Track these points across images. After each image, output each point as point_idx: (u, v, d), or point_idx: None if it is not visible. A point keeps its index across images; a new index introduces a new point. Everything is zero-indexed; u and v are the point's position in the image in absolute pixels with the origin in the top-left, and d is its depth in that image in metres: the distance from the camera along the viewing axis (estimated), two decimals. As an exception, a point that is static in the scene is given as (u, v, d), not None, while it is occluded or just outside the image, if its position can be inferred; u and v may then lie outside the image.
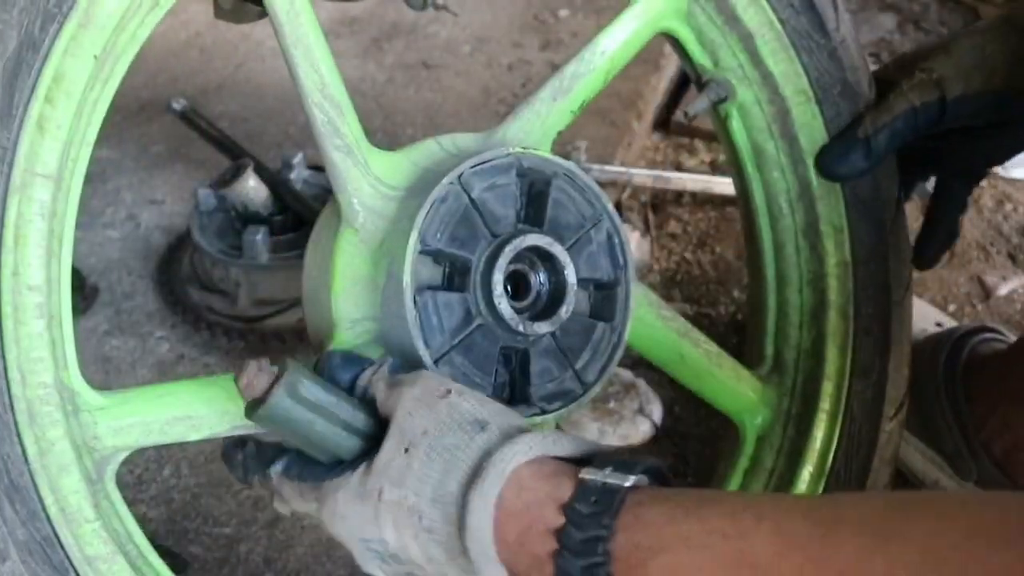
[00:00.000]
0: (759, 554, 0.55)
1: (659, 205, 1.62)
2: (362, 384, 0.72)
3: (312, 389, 0.67)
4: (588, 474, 0.62)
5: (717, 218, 1.59)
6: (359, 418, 0.69)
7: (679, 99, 1.83)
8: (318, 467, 0.70)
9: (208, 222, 1.33)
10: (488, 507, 0.61)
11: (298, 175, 1.36)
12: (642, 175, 1.60)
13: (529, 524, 0.61)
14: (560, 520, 0.60)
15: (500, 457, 0.63)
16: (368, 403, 0.71)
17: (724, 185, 1.57)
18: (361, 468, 0.66)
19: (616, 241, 0.82)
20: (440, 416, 0.65)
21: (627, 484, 0.60)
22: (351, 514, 0.66)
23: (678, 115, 1.78)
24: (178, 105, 1.44)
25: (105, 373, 1.28)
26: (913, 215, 1.57)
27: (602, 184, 1.11)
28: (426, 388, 0.68)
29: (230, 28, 1.86)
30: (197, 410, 0.73)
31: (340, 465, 0.69)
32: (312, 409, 0.67)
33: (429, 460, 0.64)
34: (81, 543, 0.67)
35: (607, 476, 0.61)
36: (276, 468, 0.72)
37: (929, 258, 1.06)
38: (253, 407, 0.67)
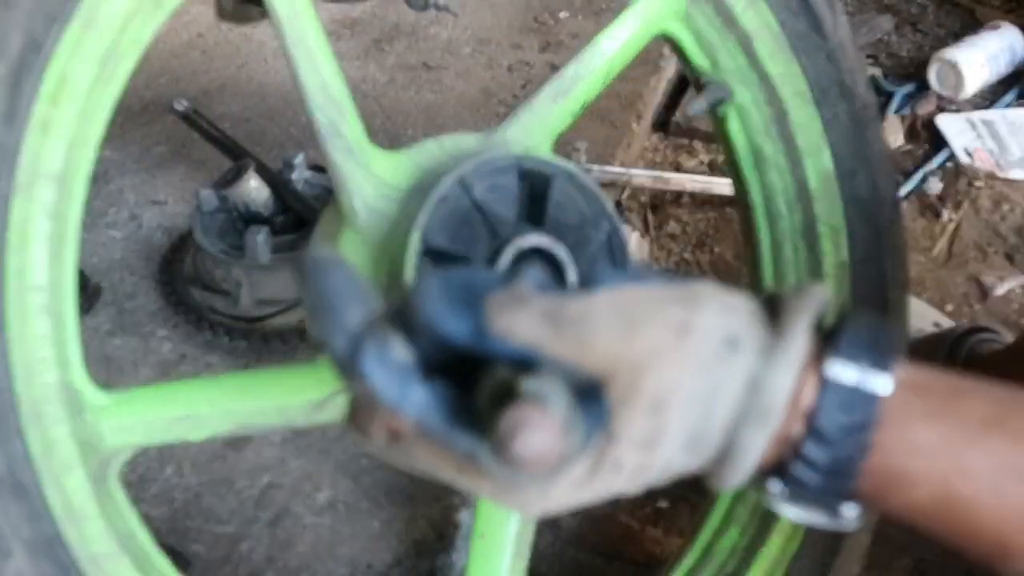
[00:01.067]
0: None
1: (658, 205, 1.62)
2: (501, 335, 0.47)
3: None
4: (834, 369, 0.49)
5: (716, 218, 1.59)
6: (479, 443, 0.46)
7: (678, 100, 1.84)
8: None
9: (210, 222, 1.34)
10: (759, 446, 0.49)
11: (299, 175, 1.37)
12: (641, 176, 1.60)
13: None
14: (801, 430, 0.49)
15: (771, 390, 0.49)
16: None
17: (723, 186, 1.58)
18: (588, 461, 0.49)
19: (616, 241, 0.82)
20: (690, 357, 0.49)
21: (881, 393, 0.49)
22: (564, 500, 0.50)
23: (677, 116, 1.78)
24: (180, 106, 1.44)
25: (107, 372, 1.29)
26: (910, 215, 1.58)
27: (602, 185, 1.11)
28: (645, 313, 0.49)
29: (232, 29, 1.86)
30: (199, 409, 0.73)
31: None
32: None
33: (689, 408, 0.49)
34: (85, 541, 0.67)
35: (859, 373, 0.49)
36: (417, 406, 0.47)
37: None
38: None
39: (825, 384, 0.49)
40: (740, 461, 0.50)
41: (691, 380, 0.49)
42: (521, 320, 0.48)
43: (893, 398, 0.49)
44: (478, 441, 0.46)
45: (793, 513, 0.52)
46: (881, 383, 0.49)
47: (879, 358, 0.50)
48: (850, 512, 0.51)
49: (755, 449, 0.49)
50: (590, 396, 0.48)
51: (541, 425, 0.44)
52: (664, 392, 0.48)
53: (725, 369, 0.49)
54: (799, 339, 0.50)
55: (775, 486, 0.51)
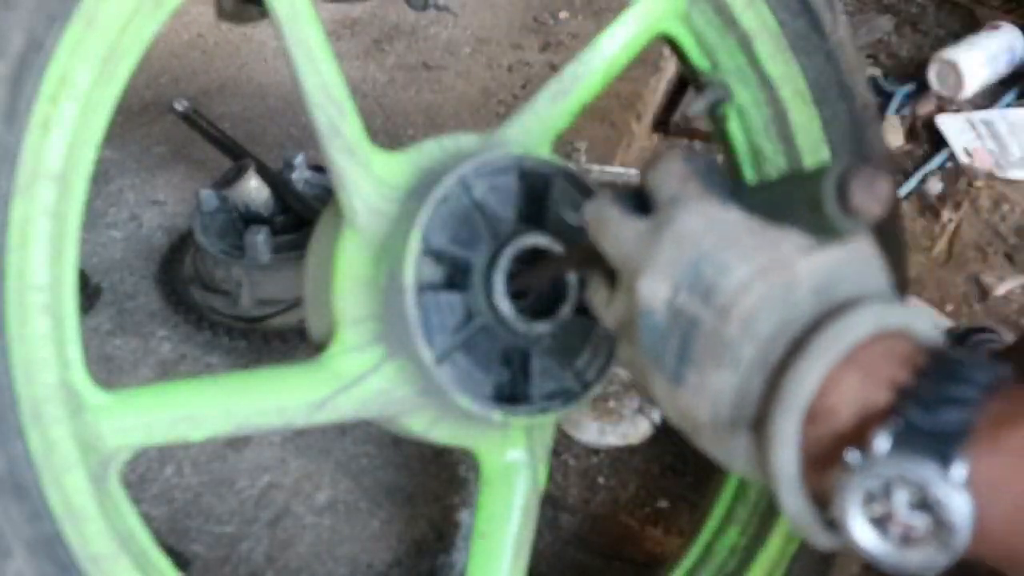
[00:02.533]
0: None
1: (658, 206, 1.62)
2: None
3: None
4: (933, 349, 0.52)
5: (716, 219, 1.59)
6: None
7: (678, 101, 1.84)
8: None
9: (210, 222, 1.34)
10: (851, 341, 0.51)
11: (299, 175, 1.37)
12: (642, 176, 1.60)
13: (863, 375, 0.51)
14: (908, 378, 0.50)
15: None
16: None
17: (723, 186, 1.58)
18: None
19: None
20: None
21: (993, 369, 0.50)
22: (730, 227, 0.57)
23: (677, 116, 1.78)
24: (180, 106, 1.44)
25: (107, 372, 1.29)
26: (910, 215, 1.58)
27: (602, 185, 1.11)
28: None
29: (232, 29, 1.86)
30: (200, 409, 0.73)
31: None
32: None
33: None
34: (86, 541, 0.67)
35: (963, 356, 0.51)
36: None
37: None
38: None
39: (935, 356, 0.51)
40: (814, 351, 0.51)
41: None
42: None
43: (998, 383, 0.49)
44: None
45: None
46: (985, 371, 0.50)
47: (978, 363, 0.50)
48: (960, 467, 0.48)
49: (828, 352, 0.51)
50: None
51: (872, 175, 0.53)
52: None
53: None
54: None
55: (882, 439, 0.49)
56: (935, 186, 1.63)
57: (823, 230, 0.55)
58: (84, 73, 0.66)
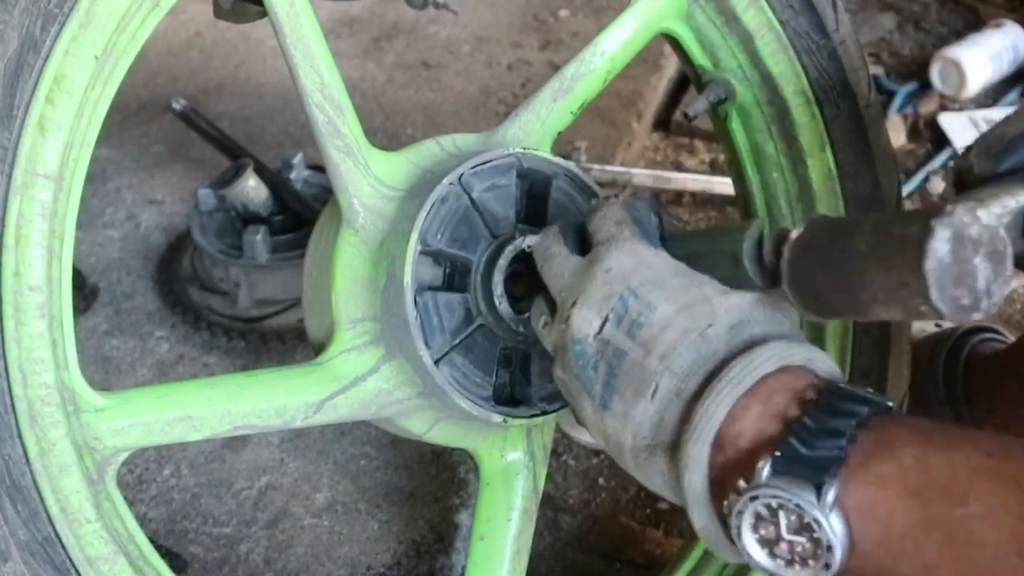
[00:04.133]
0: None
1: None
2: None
3: None
4: (825, 385, 0.57)
5: (717, 218, 1.59)
6: None
7: (679, 99, 1.83)
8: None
9: (208, 222, 1.34)
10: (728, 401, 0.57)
11: (298, 175, 1.36)
12: (642, 175, 1.60)
13: (762, 407, 0.56)
14: (796, 411, 0.55)
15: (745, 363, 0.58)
16: None
17: (724, 185, 1.57)
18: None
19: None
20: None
21: (875, 402, 0.55)
22: (656, 267, 0.64)
23: (678, 115, 1.78)
24: (178, 105, 1.44)
25: (105, 373, 1.28)
26: (913, 215, 1.58)
27: (602, 184, 1.11)
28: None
29: (230, 28, 1.86)
30: (197, 410, 0.73)
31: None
32: None
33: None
34: (82, 543, 0.67)
35: (849, 391, 0.56)
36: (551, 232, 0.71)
37: None
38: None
39: (822, 389, 0.57)
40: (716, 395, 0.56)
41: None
42: None
43: (878, 415, 0.55)
44: None
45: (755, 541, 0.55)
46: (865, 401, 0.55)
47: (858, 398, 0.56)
48: (830, 493, 0.52)
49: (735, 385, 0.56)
50: None
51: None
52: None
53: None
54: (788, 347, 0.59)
55: (764, 466, 0.54)
56: (938, 185, 1.62)
57: (739, 282, 0.62)
58: (80, 73, 0.65)
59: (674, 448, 0.59)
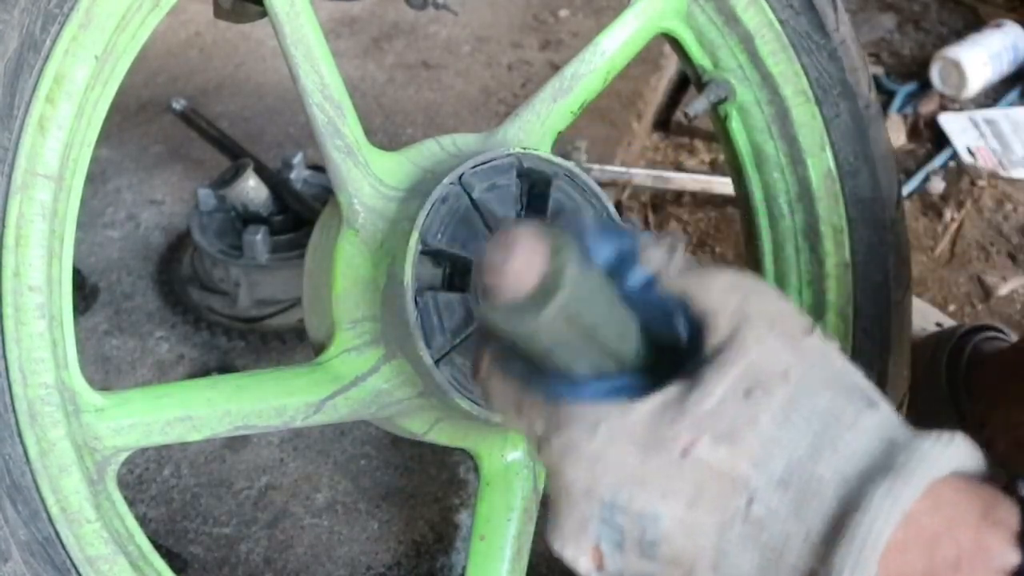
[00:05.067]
0: None
1: (659, 205, 1.62)
2: (648, 271, 0.47)
3: (592, 280, 0.45)
4: None
5: (717, 218, 1.59)
6: (630, 322, 0.47)
7: (679, 99, 1.83)
8: (554, 375, 0.46)
9: (208, 222, 1.33)
10: (895, 515, 0.42)
11: (298, 175, 1.36)
12: (642, 175, 1.60)
13: (954, 555, 0.43)
14: (1015, 557, 0.42)
15: (921, 454, 0.43)
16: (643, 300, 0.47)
17: (724, 185, 1.57)
18: (658, 400, 0.44)
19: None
20: (810, 359, 0.44)
21: None
22: (619, 463, 0.45)
23: (678, 115, 1.78)
24: (178, 105, 1.44)
25: (105, 373, 1.28)
26: (912, 215, 1.58)
27: (602, 184, 1.11)
28: (779, 308, 0.46)
29: (230, 28, 1.86)
30: (197, 411, 0.73)
31: (598, 382, 0.46)
32: (596, 305, 0.45)
33: (787, 420, 0.43)
34: (82, 543, 0.67)
35: None
36: (489, 354, 0.50)
37: None
38: (531, 305, 0.42)
39: None
40: (865, 533, 0.42)
41: (804, 381, 0.43)
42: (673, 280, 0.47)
43: None
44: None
45: None
46: None
47: None
48: None
49: (886, 521, 0.42)
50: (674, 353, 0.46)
51: (530, 244, 0.41)
52: (771, 374, 0.43)
53: (853, 409, 0.43)
54: (959, 442, 0.45)
55: None
56: (937, 185, 1.63)
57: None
58: (80, 73, 0.65)
59: None
